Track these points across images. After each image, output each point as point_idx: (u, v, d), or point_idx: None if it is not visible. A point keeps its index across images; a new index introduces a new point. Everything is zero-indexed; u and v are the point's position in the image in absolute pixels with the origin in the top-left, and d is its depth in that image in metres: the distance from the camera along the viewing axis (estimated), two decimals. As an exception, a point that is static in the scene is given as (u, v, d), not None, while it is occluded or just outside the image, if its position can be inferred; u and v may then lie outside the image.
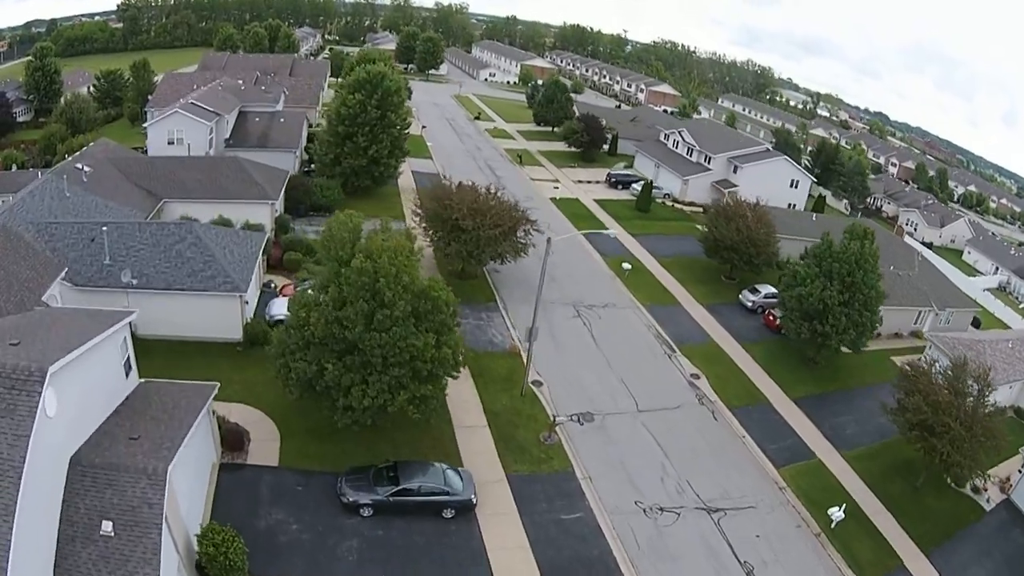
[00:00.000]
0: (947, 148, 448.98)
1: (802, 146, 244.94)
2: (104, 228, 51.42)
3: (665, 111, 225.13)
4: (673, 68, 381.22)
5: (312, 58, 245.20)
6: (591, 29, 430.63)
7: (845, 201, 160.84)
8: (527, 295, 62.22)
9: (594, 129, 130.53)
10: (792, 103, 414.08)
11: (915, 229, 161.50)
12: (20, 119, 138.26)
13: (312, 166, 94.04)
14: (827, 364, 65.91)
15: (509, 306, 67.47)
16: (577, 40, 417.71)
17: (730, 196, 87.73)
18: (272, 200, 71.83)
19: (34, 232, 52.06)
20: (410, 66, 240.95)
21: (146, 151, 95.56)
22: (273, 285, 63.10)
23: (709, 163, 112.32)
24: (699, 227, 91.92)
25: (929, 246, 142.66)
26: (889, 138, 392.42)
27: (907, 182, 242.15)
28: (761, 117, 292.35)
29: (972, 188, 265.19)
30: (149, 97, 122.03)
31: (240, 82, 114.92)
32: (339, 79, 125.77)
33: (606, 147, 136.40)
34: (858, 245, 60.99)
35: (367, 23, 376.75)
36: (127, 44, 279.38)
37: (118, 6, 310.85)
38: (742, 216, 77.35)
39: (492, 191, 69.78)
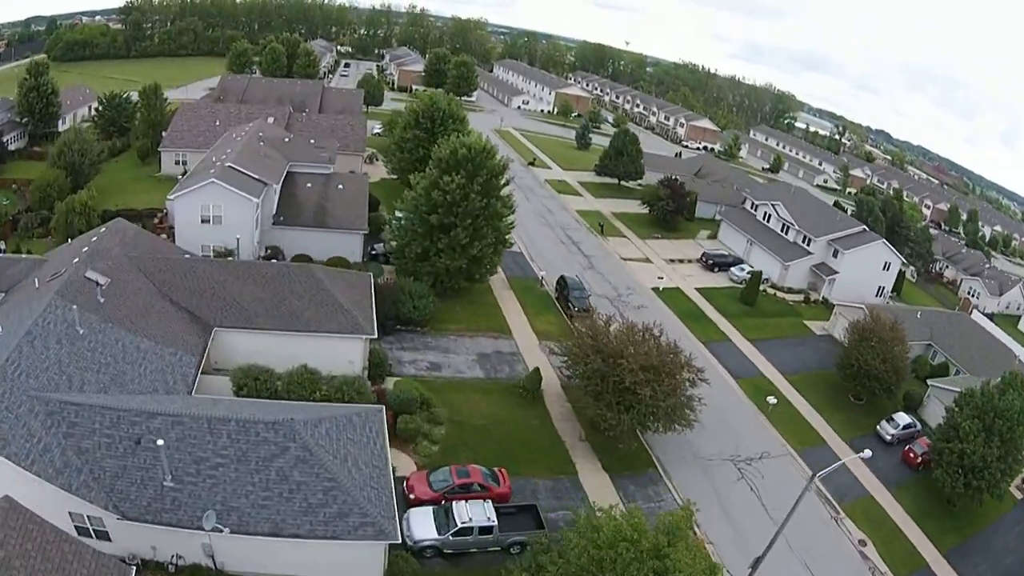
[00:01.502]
0: (953, 171, 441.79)
1: (846, 190, 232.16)
2: (160, 443, 34.04)
3: (718, 154, 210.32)
4: (696, 91, 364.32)
5: (330, 77, 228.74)
6: (610, 47, 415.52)
7: (912, 269, 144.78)
8: (682, 450, 58.18)
9: (679, 196, 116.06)
10: (810, 128, 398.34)
11: (977, 298, 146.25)
12: (11, 147, 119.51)
13: (378, 249, 76.67)
14: (964, 506, 61.34)
15: (671, 470, 56.90)
16: (597, 60, 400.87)
17: (870, 313, 77.48)
18: (368, 335, 54.33)
19: (43, 420, 36.27)
20: (438, 89, 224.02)
21: (164, 216, 78.28)
22: (395, 472, 44.12)
23: (809, 245, 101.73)
24: (806, 323, 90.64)
25: (991, 317, 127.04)
26: (908, 166, 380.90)
27: (939, 225, 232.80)
28: (798, 154, 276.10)
29: (998, 228, 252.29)
30: (163, 133, 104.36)
31: (271, 121, 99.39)
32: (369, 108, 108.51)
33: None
34: (1019, 400, 58.56)
35: (382, 34, 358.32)
36: (130, 50, 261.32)
37: (121, 8, 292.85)
38: (883, 340, 70.99)
39: (652, 330, 56.08)
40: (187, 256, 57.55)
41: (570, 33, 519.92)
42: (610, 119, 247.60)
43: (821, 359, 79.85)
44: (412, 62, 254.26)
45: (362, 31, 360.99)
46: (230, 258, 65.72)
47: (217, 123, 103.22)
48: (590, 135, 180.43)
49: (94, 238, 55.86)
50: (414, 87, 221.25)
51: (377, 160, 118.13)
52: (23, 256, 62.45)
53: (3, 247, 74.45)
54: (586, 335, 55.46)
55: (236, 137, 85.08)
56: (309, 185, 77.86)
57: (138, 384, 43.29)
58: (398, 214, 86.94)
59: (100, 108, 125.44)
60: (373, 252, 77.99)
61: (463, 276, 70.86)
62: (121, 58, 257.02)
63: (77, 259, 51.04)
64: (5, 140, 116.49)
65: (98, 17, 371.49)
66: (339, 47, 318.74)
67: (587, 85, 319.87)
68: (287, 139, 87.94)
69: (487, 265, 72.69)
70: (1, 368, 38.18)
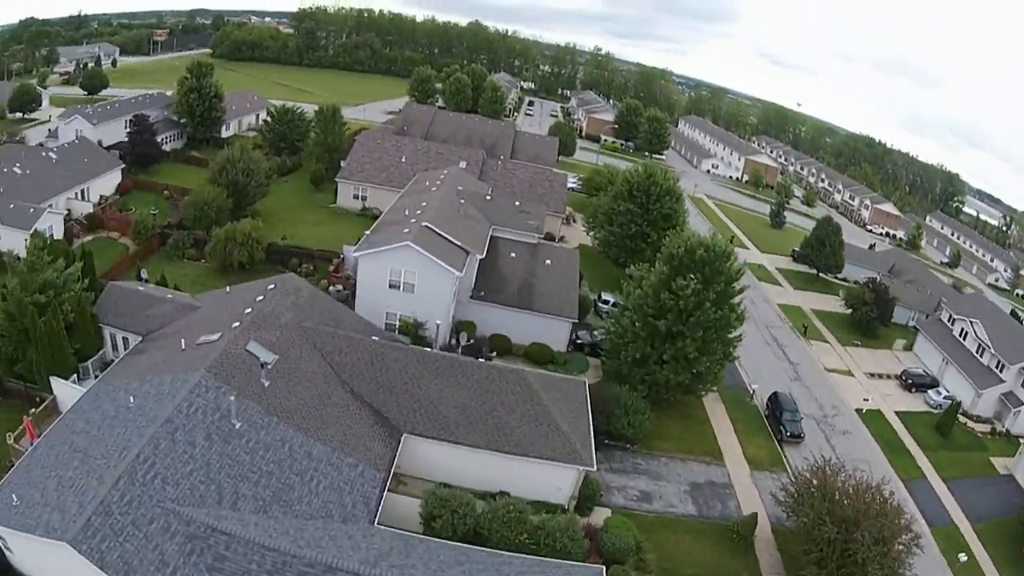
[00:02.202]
0: None
1: (1015, 291, 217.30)
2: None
3: (901, 243, 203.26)
4: (872, 166, 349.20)
5: (515, 115, 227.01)
6: (790, 110, 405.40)
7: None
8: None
9: (883, 302, 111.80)
10: (979, 215, 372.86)
11: None
12: (167, 147, 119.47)
13: (583, 338, 70.79)
14: None
15: None
16: (779, 124, 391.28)
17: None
18: (587, 466, 46.74)
19: (182, 545, 31.60)
20: (628, 143, 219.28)
21: (341, 262, 73.31)
22: None
23: (1002, 371, 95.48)
24: (991, 459, 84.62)
25: None
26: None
27: None
28: (972, 247, 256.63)
29: None
30: (342, 162, 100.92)
31: (464, 167, 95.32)
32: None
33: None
34: None
35: (565, 74, 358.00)
36: (302, 58, 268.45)
37: (294, 14, 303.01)
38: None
39: (883, 490, 51.44)
40: (375, 339, 50.47)
41: (743, 88, 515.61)
42: (799, 195, 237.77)
43: (1006, 503, 74.71)
44: (601, 110, 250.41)
45: (546, 68, 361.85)
46: (424, 340, 60.51)
47: (403, 160, 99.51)
48: (784, 213, 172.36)
49: (259, 297, 49.96)
50: (604, 137, 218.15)
51: (574, 221, 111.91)
52: (169, 294, 57.41)
53: (145, 276, 70.25)
54: (816, 496, 50.88)
55: (430, 186, 79.92)
56: (514, 255, 71.22)
57: (308, 504, 36.68)
58: (607, 298, 79.43)
59: (269, 120, 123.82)
60: (578, 341, 70.83)
61: (681, 390, 65.31)
62: (292, 64, 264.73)
63: (237, 323, 45.41)
64: (160, 139, 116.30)
65: (268, 19, 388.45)
66: (522, 83, 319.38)
67: (771, 152, 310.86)
68: (488, 196, 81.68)
69: (710, 381, 66.76)
70: (130, 467, 32.18)
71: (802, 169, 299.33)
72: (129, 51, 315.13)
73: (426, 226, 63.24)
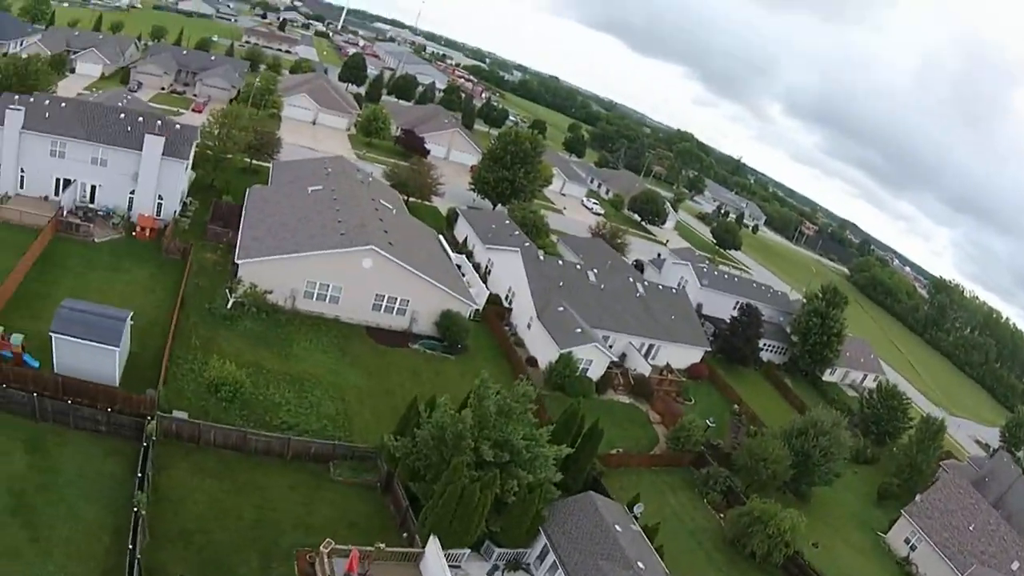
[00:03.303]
0: None
1: None
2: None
3: None
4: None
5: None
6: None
7: None
8: None
9: None
10: None
11: None
12: (764, 353, 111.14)
13: None
14: None
15: None
16: None
17: None
18: None
19: None
20: None
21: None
22: None
23: None
24: None
25: None
26: None
27: None
28: None
29: None
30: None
31: None
32: None
33: None
34: None
35: None
36: (924, 330, 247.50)
37: (934, 281, 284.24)
38: None
39: None
40: None
41: None
42: None
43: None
44: None
45: None
46: None
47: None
48: None
49: None
50: None
51: None
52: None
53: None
54: None
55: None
56: None
57: None
58: None
59: (871, 396, 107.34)
60: None
61: None
62: (915, 331, 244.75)
63: None
64: (761, 344, 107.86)
65: (907, 269, 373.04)
66: None
67: None
68: None
69: None
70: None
71: None
72: (775, 226, 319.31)
73: None
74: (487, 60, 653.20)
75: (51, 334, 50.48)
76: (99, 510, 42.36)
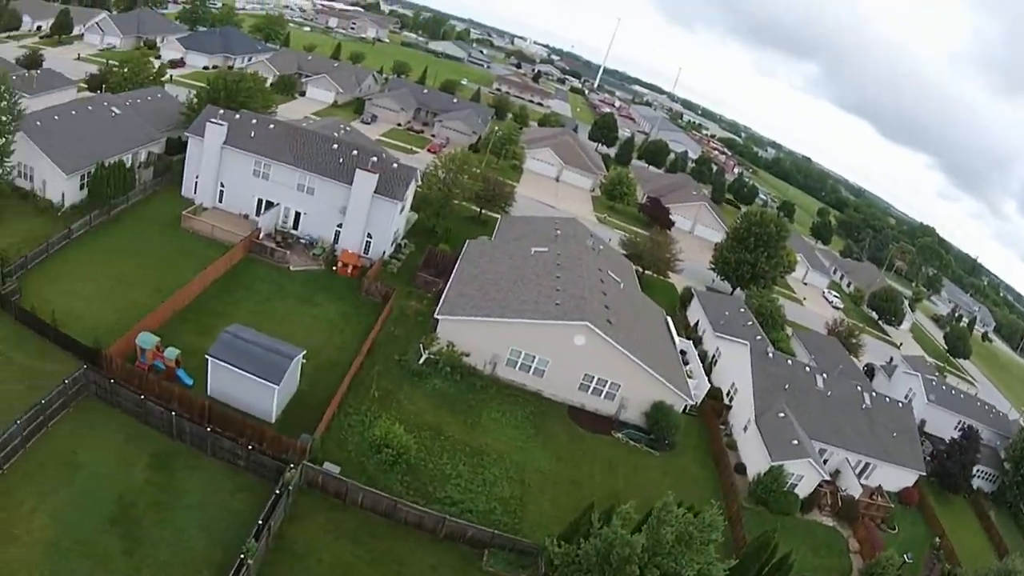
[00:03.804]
0: None
1: None
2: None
3: None
4: None
5: None
6: None
7: None
8: None
9: None
10: None
11: None
12: (976, 480, 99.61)
13: None
14: None
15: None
16: None
17: None
18: None
19: None
20: None
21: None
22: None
23: None
24: None
25: None
26: None
27: None
28: None
29: None
30: None
31: None
32: None
33: None
34: None
35: None
36: None
37: None
38: None
39: None
40: None
41: None
42: None
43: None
44: None
45: None
46: None
47: None
48: None
49: None
50: None
51: None
52: None
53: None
54: None
55: None
56: None
57: None
58: None
59: None
60: None
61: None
62: None
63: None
64: (975, 471, 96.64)
65: None
66: None
67: None
68: None
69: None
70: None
71: None
72: (1003, 333, 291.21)
73: None
74: (742, 134, 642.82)
75: (207, 357, 50.49)
76: (209, 543, 41.27)
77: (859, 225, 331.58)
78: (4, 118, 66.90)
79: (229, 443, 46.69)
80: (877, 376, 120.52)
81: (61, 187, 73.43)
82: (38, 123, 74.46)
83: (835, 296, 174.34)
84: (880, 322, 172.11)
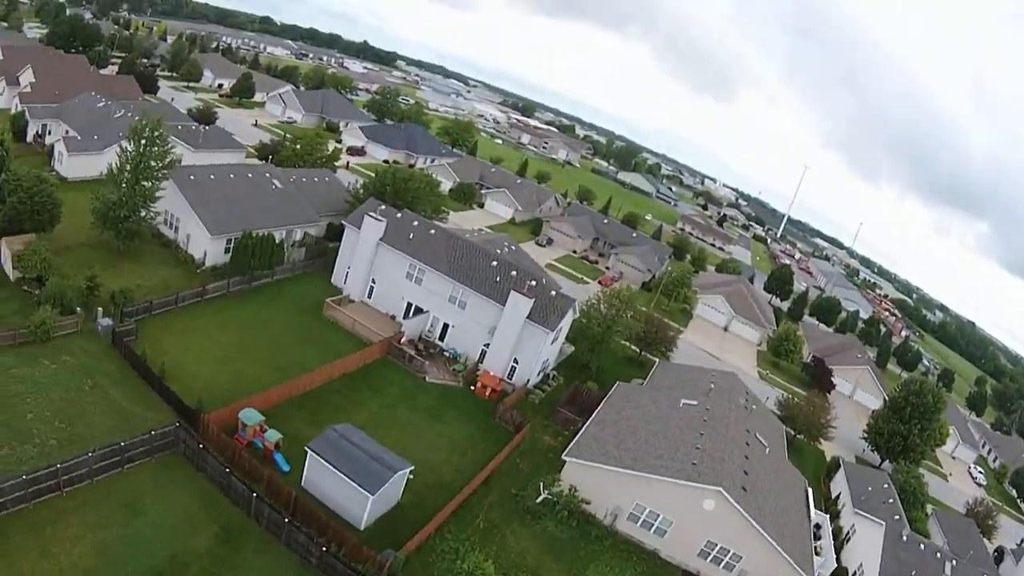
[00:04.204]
0: None
1: None
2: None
3: None
4: None
5: None
6: None
7: None
8: None
9: None
10: None
11: None
12: None
13: None
14: None
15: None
16: None
17: None
18: None
19: None
20: None
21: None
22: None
23: None
24: None
25: None
26: None
27: None
28: None
29: None
30: None
31: None
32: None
33: None
34: None
35: None
36: None
37: None
38: None
39: None
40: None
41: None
42: None
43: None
44: None
45: None
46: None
47: None
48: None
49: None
50: None
51: None
52: None
53: None
54: None
55: None
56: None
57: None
58: None
59: None
60: None
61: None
62: None
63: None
64: None
65: None
66: None
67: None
68: None
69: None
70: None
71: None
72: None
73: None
74: (914, 295, 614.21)
75: (306, 448, 48.95)
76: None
77: (1012, 396, 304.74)
78: (154, 163, 68.06)
79: (305, 538, 44.22)
80: (1005, 560, 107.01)
81: (204, 245, 74.47)
82: (191, 177, 75.66)
83: (980, 472, 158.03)
84: (1019, 501, 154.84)
